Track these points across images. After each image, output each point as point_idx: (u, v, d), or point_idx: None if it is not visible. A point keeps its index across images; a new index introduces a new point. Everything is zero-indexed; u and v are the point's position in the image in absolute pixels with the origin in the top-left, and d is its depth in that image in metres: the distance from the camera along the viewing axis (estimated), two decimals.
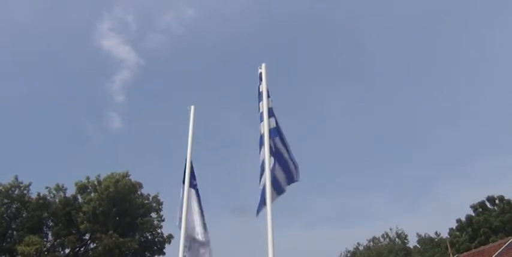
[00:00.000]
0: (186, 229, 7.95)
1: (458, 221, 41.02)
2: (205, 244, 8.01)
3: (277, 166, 6.90)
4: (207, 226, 8.21)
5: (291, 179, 6.96)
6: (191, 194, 8.35)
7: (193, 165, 8.70)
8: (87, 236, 33.40)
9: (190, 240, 7.98)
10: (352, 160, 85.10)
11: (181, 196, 8.33)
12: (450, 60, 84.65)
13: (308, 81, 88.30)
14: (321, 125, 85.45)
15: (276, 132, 7.01)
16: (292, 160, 7.03)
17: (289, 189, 7.03)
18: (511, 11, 79.64)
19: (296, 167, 7.05)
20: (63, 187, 34.19)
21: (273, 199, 6.72)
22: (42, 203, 33.12)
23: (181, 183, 8.48)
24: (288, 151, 7.04)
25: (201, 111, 9.87)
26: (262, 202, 6.66)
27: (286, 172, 6.94)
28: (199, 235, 8.01)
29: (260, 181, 6.87)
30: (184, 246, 7.83)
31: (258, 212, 6.69)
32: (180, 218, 8.06)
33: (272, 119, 7.07)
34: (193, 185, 8.47)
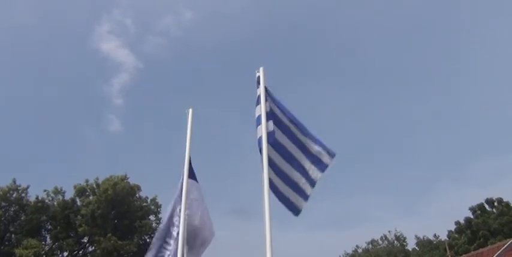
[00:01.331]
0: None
1: (457, 223, 41.06)
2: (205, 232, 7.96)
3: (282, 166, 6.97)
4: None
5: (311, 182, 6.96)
6: (192, 184, 8.32)
7: (193, 165, 8.72)
8: (85, 239, 33.37)
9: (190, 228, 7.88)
10: (350, 162, 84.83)
11: (179, 187, 8.23)
12: (449, 61, 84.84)
13: (307, 83, 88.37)
14: (319, 126, 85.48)
15: (273, 136, 7.03)
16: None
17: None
18: (510, 10, 79.87)
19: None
20: (61, 190, 34.20)
21: (296, 200, 6.82)
22: (41, 206, 33.10)
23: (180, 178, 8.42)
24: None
25: (200, 114, 9.89)
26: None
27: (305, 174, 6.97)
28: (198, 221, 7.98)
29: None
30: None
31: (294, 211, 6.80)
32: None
33: (270, 123, 7.09)
34: (193, 177, 8.43)
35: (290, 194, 6.89)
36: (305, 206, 6.97)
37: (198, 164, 9.01)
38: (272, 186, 6.80)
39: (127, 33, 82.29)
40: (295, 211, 6.91)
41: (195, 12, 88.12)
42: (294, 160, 7.02)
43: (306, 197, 6.93)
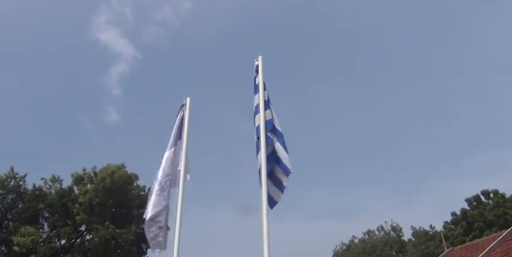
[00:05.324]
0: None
1: (453, 214, 41.24)
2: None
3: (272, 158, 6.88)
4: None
5: (286, 171, 6.85)
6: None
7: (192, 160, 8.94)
8: (83, 228, 33.44)
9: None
10: (348, 155, 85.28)
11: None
12: (446, 56, 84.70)
13: (305, 76, 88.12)
14: (315, 119, 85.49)
15: (271, 124, 6.99)
16: (284, 149, 6.95)
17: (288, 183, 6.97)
18: (507, 9, 79.45)
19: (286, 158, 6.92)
20: (59, 178, 34.18)
21: (274, 194, 6.76)
22: (38, 194, 33.12)
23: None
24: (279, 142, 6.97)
25: (198, 104, 9.89)
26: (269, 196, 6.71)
27: (280, 164, 6.88)
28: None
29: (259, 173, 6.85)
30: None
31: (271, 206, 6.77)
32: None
33: (268, 112, 7.07)
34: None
35: (270, 187, 6.79)
36: (281, 198, 6.89)
37: (196, 157, 9.19)
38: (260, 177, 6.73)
39: (125, 23, 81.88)
40: (272, 203, 6.82)
41: (194, 2, 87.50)
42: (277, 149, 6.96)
43: (283, 188, 6.90)
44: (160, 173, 8.40)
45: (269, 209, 6.38)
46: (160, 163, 8.67)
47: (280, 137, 6.98)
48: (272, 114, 7.11)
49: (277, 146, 6.87)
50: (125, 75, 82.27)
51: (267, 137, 6.85)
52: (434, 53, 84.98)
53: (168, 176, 8.39)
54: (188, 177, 8.37)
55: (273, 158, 6.82)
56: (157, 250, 8.13)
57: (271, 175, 6.78)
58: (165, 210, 8.21)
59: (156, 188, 8.23)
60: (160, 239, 8.11)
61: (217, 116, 71.95)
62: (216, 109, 75.30)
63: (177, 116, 9.08)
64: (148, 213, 8.04)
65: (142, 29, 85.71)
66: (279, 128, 7.03)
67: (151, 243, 8.10)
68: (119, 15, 79.96)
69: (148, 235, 8.05)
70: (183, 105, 9.14)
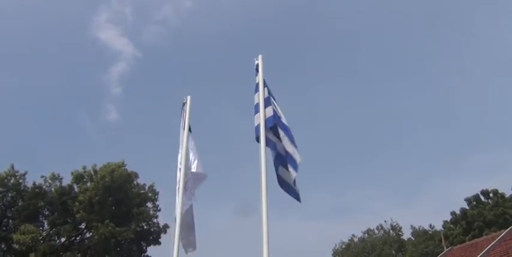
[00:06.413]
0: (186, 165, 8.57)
1: (453, 214, 41.27)
2: (199, 175, 8.62)
3: (276, 155, 6.89)
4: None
5: (294, 167, 6.84)
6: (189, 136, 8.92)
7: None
8: (83, 225, 33.47)
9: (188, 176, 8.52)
10: (348, 155, 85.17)
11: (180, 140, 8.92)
12: (445, 58, 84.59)
13: (305, 76, 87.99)
14: (315, 119, 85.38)
15: (271, 122, 6.96)
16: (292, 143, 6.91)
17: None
18: (507, 9, 79.32)
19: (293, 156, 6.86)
20: (58, 176, 34.19)
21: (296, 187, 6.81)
22: (38, 192, 33.14)
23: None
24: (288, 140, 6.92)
25: (198, 104, 9.94)
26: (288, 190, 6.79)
27: (283, 160, 6.86)
28: (195, 168, 8.59)
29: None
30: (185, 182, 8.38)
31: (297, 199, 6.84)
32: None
33: (268, 109, 7.05)
34: (189, 128, 9.03)
35: (291, 180, 6.84)
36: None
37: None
38: (277, 177, 6.76)
39: (126, 22, 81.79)
40: (298, 197, 6.88)
41: (194, 1, 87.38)
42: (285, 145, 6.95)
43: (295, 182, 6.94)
44: (183, 174, 8.42)
45: (269, 209, 6.37)
46: (176, 164, 8.78)
47: (287, 131, 6.94)
48: (275, 110, 7.06)
49: (281, 146, 6.87)
50: (125, 74, 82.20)
51: (267, 140, 6.85)
52: (434, 53, 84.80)
53: (187, 175, 8.47)
54: (194, 169, 8.48)
55: (280, 159, 6.84)
56: (190, 249, 8.26)
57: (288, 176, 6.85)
58: (190, 209, 8.36)
59: (181, 189, 8.26)
60: (192, 238, 8.28)
61: (217, 116, 71.99)
62: (216, 109, 75.35)
63: (180, 116, 9.11)
64: (178, 214, 8.05)
65: (143, 28, 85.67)
66: (284, 121, 7.00)
67: (183, 243, 8.15)
68: (119, 14, 79.92)
69: (181, 235, 8.08)
70: (184, 104, 9.17)
